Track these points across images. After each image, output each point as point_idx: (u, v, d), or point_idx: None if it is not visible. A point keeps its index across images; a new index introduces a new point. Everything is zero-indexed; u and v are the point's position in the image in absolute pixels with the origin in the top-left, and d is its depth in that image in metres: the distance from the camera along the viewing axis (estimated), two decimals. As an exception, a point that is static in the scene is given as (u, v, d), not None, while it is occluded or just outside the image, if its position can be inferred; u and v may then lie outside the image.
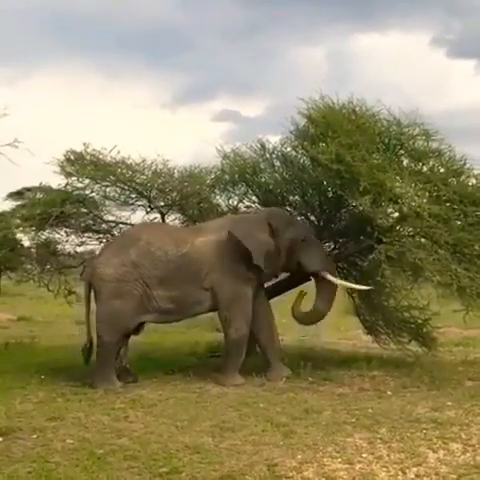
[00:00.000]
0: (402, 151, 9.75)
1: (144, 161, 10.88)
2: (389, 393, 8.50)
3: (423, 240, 9.25)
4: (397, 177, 9.20)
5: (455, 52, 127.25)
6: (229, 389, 8.67)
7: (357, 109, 9.82)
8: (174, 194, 11.04)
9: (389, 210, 9.56)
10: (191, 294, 9.10)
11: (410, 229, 9.57)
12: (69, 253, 11.54)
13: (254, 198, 11.03)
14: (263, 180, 10.84)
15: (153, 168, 10.95)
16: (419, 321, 10.34)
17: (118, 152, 10.73)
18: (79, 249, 11.55)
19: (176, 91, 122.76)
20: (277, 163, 10.77)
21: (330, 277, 9.46)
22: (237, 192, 11.08)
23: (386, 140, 9.65)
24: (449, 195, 9.22)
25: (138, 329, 9.37)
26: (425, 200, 9.06)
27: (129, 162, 10.83)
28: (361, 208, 9.26)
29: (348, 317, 12.29)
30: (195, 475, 5.40)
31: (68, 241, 11.28)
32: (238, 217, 9.89)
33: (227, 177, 10.94)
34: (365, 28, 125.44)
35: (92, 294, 9.18)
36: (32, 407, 7.70)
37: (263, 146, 10.81)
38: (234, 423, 6.97)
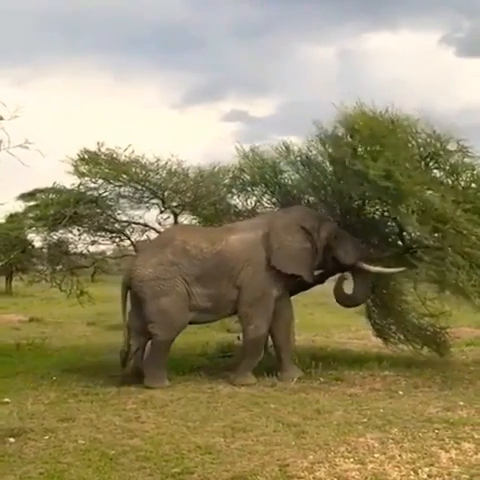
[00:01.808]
0: (436, 165, 9.46)
1: (158, 161, 10.89)
2: (400, 393, 8.48)
3: (462, 260, 8.86)
4: (437, 194, 8.99)
5: (464, 51, 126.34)
6: (240, 389, 8.67)
7: (395, 120, 9.36)
8: (188, 194, 11.04)
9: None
10: (226, 292, 9.09)
11: (449, 248, 9.04)
12: (81, 253, 11.58)
13: (273, 199, 10.97)
14: (282, 181, 10.78)
15: (168, 168, 10.95)
16: (434, 329, 10.31)
17: (132, 151, 10.75)
18: (91, 248, 11.61)
19: (185, 91, 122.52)
20: (301, 166, 10.62)
21: (366, 266, 9.45)
22: (255, 192, 11.02)
23: (425, 155, 9.36)
24: None
25: None
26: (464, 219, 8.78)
27: (143, 162, 10.84)
28: (409, 230, 9.22)
29: (359, 317, 12.25)
30: (207, 475, 5.41)
31: (80, 240, 11.32)
32: (272, 218, 9.66)
33: (247, 177, 10.88)
34: (375, 27, 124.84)
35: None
36: (44, 408, 7.72)
37: (287, 148, 10.67)
38: (245, 423, 6.97)
